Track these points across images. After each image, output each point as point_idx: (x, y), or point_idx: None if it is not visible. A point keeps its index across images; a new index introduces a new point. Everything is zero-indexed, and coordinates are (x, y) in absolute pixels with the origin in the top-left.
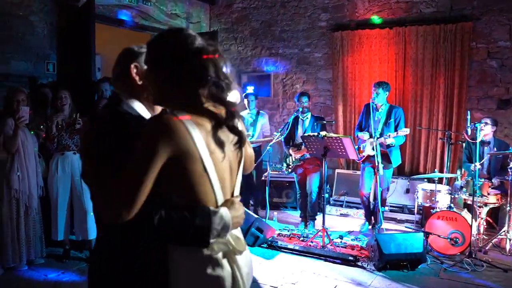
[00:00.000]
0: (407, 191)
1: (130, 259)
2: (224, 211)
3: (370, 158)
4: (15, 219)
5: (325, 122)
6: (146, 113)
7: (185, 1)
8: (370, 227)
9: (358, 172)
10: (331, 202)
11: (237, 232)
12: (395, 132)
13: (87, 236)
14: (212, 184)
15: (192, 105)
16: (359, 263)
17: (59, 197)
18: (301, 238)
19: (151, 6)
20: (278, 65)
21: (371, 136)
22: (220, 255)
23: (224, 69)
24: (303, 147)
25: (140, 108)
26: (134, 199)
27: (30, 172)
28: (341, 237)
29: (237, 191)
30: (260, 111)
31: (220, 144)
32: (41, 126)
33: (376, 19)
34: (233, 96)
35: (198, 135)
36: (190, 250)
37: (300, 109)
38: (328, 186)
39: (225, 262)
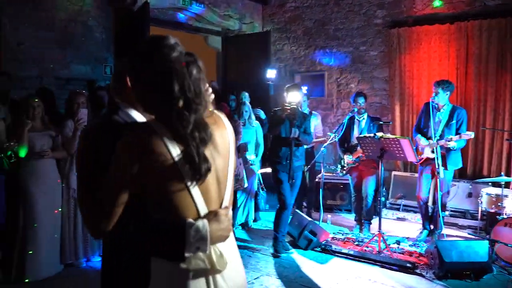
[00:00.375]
0: (469, 195)
1: (119, 267)
2: (201, 223)
3: (429, 161)
4: (73, 217)
5: (382, 122)
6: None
7: (238, 2)
8: (428, 233)
9: (416, 175)
10: (388, 206)
11: (224, 248)
12: (458, 135)
13: None
14: (193, 198)
15: (167, 115)
16: (417, 271)
17: None
18: (356, 243)
19: (204, 8)
20: (332, 64)
21: (430, 138)
22: (192, 273)
23: (194, 86)
24: (358, 148)
25: (137, 116)
26: (109, 212)
27: None
28: (398, 242)
29: (226, 202)
30: (313, 112)
31: (204, 158)
32: None
33: (437, 2)
34: (294, 96)
35: (177, 150)
36: (168, 262)
37: (356, 109)
38: (384, 189)
39: (199, 281)
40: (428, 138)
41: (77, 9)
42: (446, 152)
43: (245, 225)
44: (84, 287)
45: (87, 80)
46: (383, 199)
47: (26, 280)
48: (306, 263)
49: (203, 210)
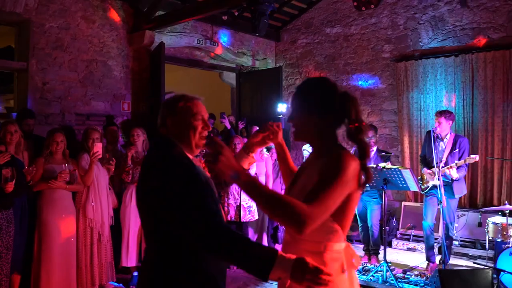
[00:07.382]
0: (479, 224)
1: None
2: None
3: (434, 189)
4: (89, 245)
5: (383, 154)
6: None
7: (251, 39)
8: (438, 262)
9: None
10: (398, 236)
11: None
12: (462, 160)
13: None
14: None
15: None
16: None
17: (131, 226)
18: (362, 272)
19: (218, 46)
20: None
21: (433, 167)
22: None
23: None
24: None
25: None
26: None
27: (103, 203)
28: (404, 272)
29: None
30: None
31: None
32: (111, 161)
33: None
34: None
35: None
36: None
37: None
38: (394, 219)
39: None
40: (432, 167)
41: (98, 50)
42: (450, 180)
43: None
44: None
45: (105, 116)
46: (388, 228)
47: None
48: None
49: None
